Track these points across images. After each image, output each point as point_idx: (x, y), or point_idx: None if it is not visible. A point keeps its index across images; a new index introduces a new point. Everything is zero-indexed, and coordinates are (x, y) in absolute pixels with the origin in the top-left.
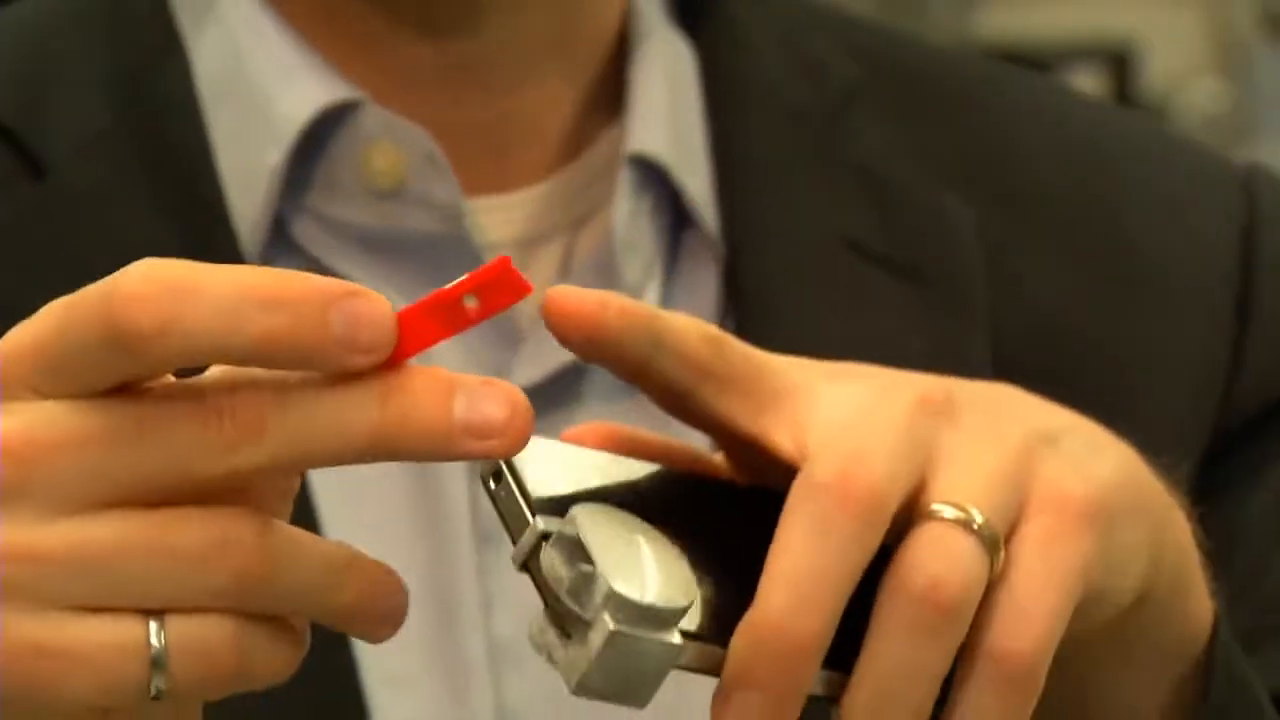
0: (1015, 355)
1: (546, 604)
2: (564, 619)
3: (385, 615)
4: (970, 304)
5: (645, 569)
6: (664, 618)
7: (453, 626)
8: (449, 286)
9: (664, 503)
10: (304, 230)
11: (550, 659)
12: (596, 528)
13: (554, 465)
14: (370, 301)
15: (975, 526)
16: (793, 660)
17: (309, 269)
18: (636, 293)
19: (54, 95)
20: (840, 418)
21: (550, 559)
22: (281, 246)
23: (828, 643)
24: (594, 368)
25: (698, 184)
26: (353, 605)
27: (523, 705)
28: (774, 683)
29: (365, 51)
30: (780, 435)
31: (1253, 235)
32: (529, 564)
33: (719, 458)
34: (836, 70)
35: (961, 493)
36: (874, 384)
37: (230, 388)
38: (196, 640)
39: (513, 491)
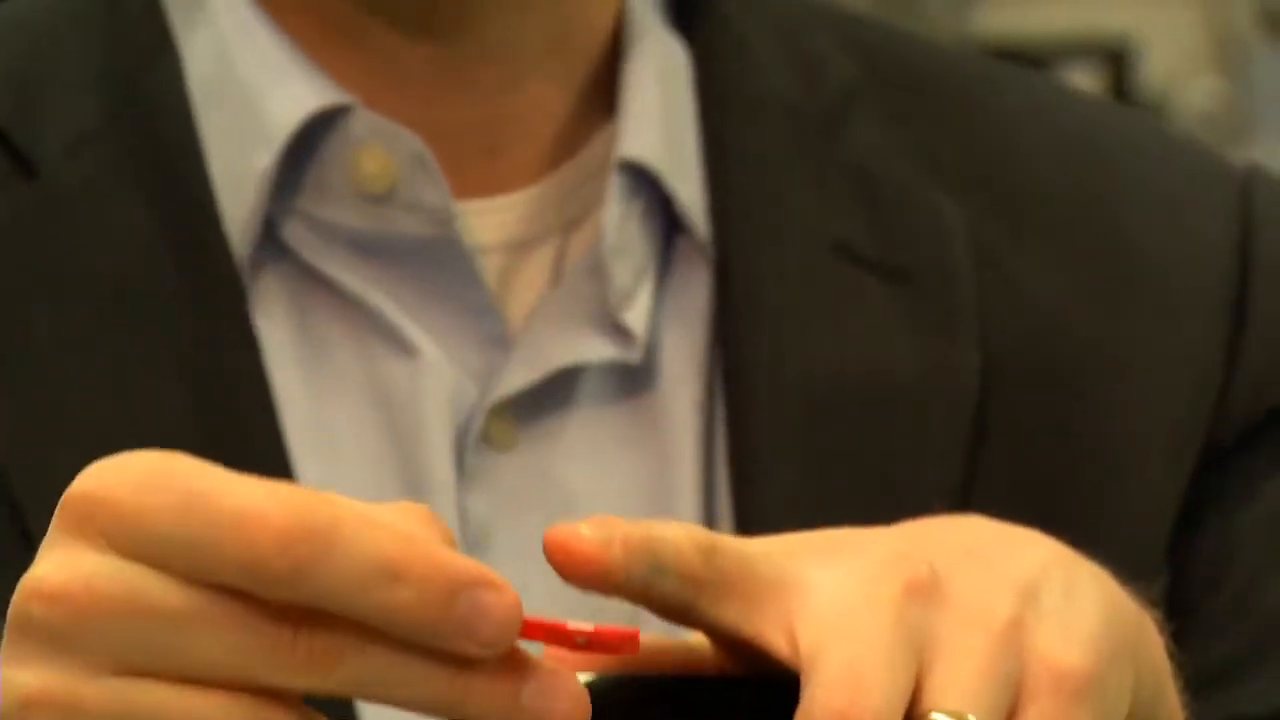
0: (1008, 359)
1: None
2: None
3: None
4: (959, 308)
5: None
6: None
7: None
8: (577, 628)
9: None
10: (294, 233)
11: None
12: None
13: None
14: (499, 596)
15: None
16: None
17: (299, 272)
18: (627, 299)
19: (47, 95)
20: (833, 619)
21: None
22: (271, 249)
23: None
24: (586, 373)
25: (689, 189)
26: None
27: None
28: None
29: (357, 52)
30: (775, 636)
31: (1250, 238)
32: None
33: (703, 644)
34: (835, 69)
35: (957, 694)
36: (862, 567)
37: (314, 613)
38: None
39: None
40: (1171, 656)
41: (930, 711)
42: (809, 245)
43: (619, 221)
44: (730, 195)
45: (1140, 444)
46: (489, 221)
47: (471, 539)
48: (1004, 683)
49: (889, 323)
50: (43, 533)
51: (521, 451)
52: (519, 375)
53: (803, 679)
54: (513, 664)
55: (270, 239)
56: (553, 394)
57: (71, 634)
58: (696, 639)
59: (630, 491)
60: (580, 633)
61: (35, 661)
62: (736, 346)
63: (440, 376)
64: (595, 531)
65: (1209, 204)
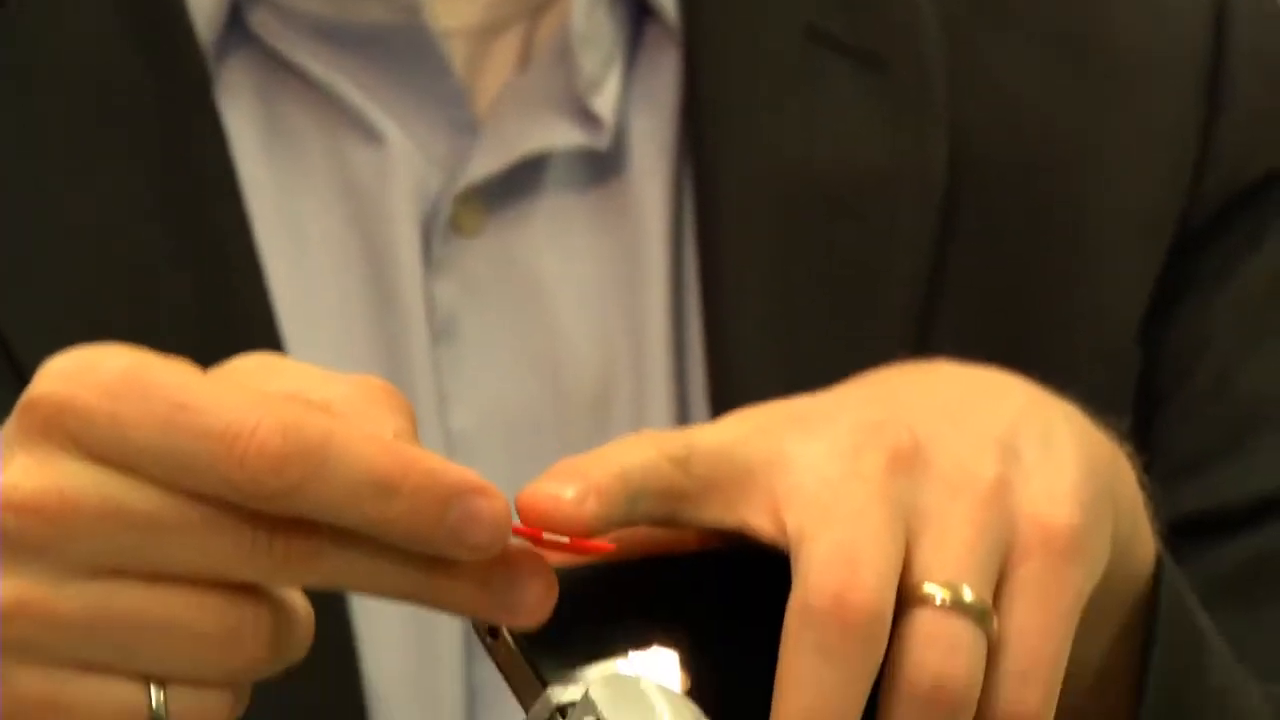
0: (980, 149)
1: None
2: None
3: None
4: (931, 98)
5: None
6: None
7: None
8: (553, 539)
9: (659, 610)
10: (261, 20)
11: None
12: (616, 704)
13: None
14: (490, 503)
15: (967, 604)
16: None
17: (265, 60)
18: (595, 86)
19: None
20: (819, 499)
21: None
22: (238, 37)
23: None
24: (554, 160)
25: None
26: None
27: None
28: None
29: None
30: (760, 519)
31: (1224, 22)
32: None
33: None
34: None
35: (948, 565)
36: (843, 436)
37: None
38: (198, 711)
39: (513, 651)
40: (1144, 488)
41: (922, 583)
42: (781, 28)
43: (587, 7)
44: None
45: (1113, 231)
46: (455, 7)
47: (439, 326)
48: (993, 548)
49: (860, 111)
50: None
51: (489, 238)
52: (487, 162)
53: (793, 562)
54: (483, 563)
55: (237, 27)
56: (521, 181)
57: (46, 543)
58: None
59: (599, 277)
60: (558, 544)
61: (9, 571)
62: (706, 133)
63: (407, 163)
64: (562, 486)
65: None
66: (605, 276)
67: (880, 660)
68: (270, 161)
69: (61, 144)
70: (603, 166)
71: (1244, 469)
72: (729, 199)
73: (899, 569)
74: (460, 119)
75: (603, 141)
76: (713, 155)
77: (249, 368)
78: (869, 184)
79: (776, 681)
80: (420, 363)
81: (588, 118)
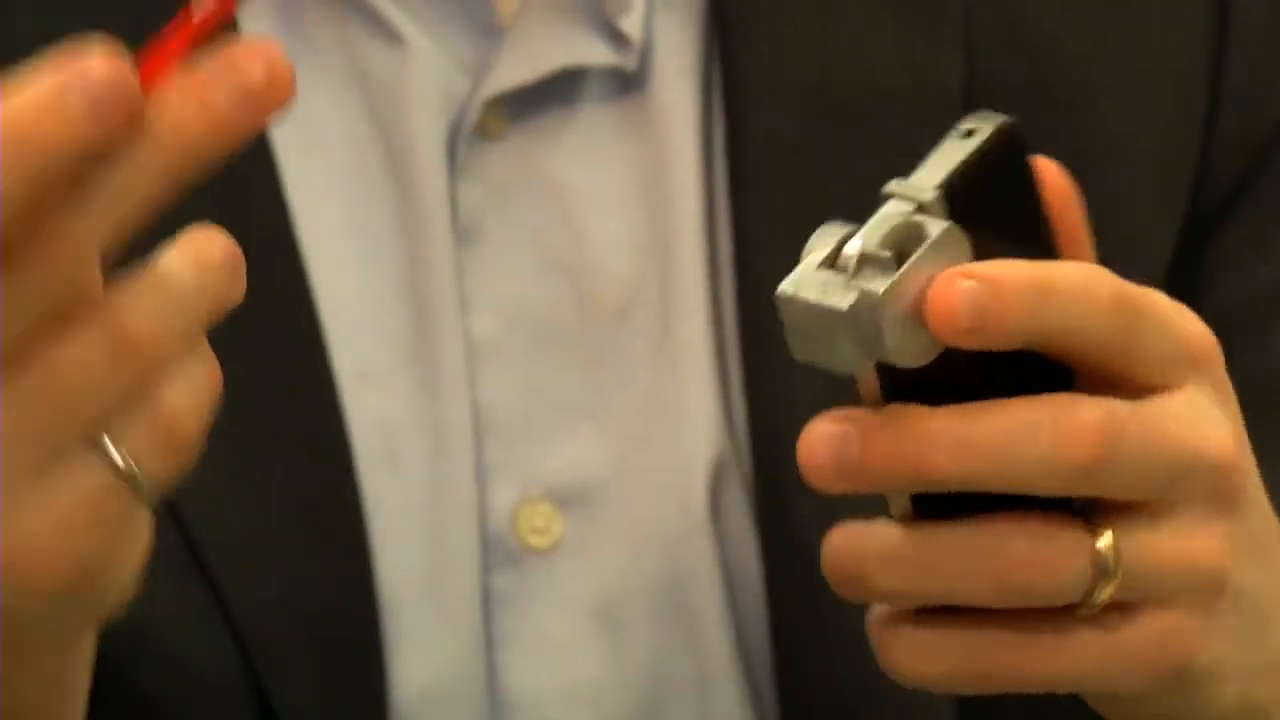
0: (995, 67)
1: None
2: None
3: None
4: (947, 10)
5: None
6: None
7: (428, 326)
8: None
9: None
10: None
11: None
12: None
13: None
14: (107, 70)
15: None
16: None
17: None
18: (625, 3)
19: None
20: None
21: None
22: None
23: None
24: (582, 75)
25: None
26: None
27: (497, 403)
28: None
29: None
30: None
31: None
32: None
33: None
34: None
35: None
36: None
37: None
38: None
39: None
40: None
41: None
42: None
43: None
44: None
45: (1124, 158)
46: None
47: (462, 228)
48: None
49: (879, 26)
50: None
51: (515, 142)
52: (514, 70)
53: None
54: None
55: None
56: (548, 92)
57: None
58: None
59: (625, 185)
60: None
61: None
62: (733, 46)
63: (429, 65)
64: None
65: None
66: (632, 186)
67: None
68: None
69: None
70: (630, 81)
71: None
72: (758, 111)
73: None
74: (483, 20)
75: (631, 60)
76: (740, 68)
77: None
78: (888, 94)
79: None
80: (442, 264)
81: (615, 35)
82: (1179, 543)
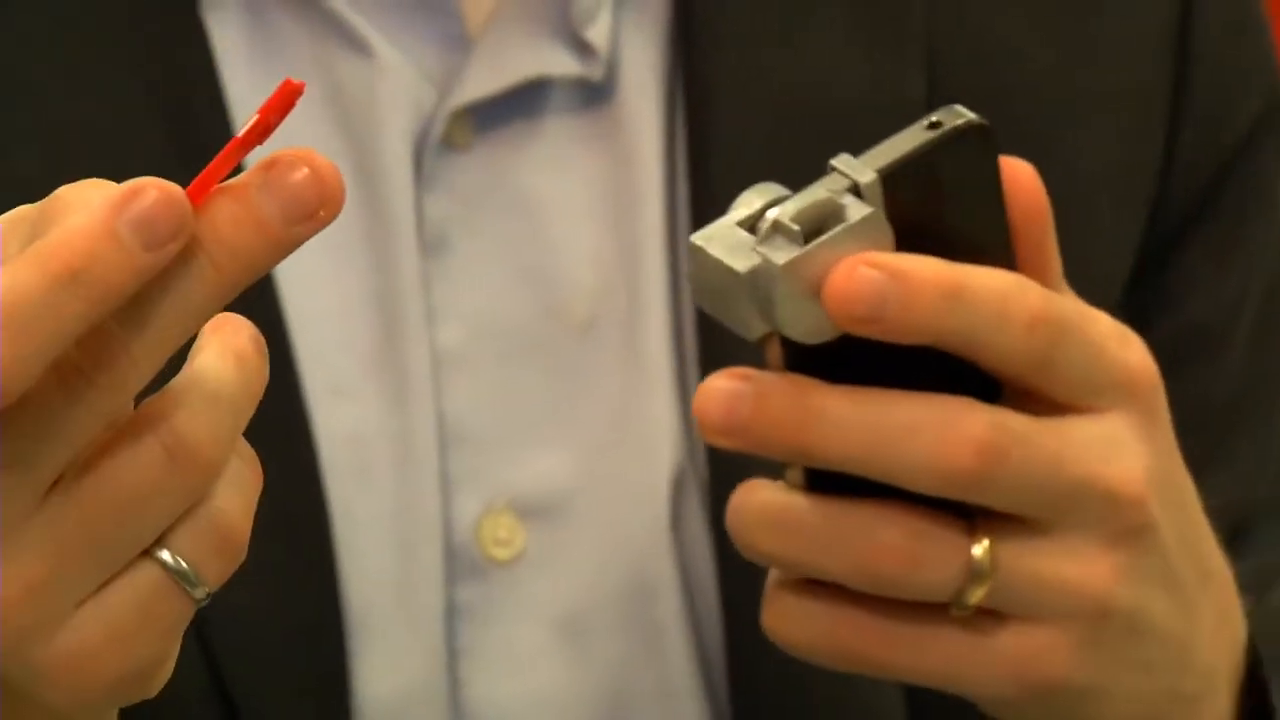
0: (957, 85)
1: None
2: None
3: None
4: (909, 30)
5: None
6: None
7: (396, 336)
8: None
9: None
10: None
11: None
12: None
13: None
14: (156, 195)
15: None
16: None
17: None
18: (590, 16)
19: None
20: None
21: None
22: None
23: None
24: (548, 86)
25: None
26: None
27: (464, 414)
28: None
29: None
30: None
31: None
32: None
33: None
34: None
35: None
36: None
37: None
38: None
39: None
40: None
41: None
42: None
43: None
44: None
45: (1084, 174)
46: None
47: (429, 240)
48: None
49: (843, 39)
50: None
51: (481, 154)
52: (481, 81)
53: None
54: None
55: None
56: (514, 104)
57: None
58: None
59: (592, 197)
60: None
61: None
62: (698, 57)
63: (397, 77)
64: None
65: None
66: (598, 197)
67: None
68: (255, 70)
69: (47, 48)
70: (596, 92)
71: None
72: (721, 123)
73: None
74: (451, 32)
75: (597, 71)
76: (705, 79)
77: None
78: (852, 111)
79: None
80: (409, 275)
81: (581, 46)
82: (1059, 564)
